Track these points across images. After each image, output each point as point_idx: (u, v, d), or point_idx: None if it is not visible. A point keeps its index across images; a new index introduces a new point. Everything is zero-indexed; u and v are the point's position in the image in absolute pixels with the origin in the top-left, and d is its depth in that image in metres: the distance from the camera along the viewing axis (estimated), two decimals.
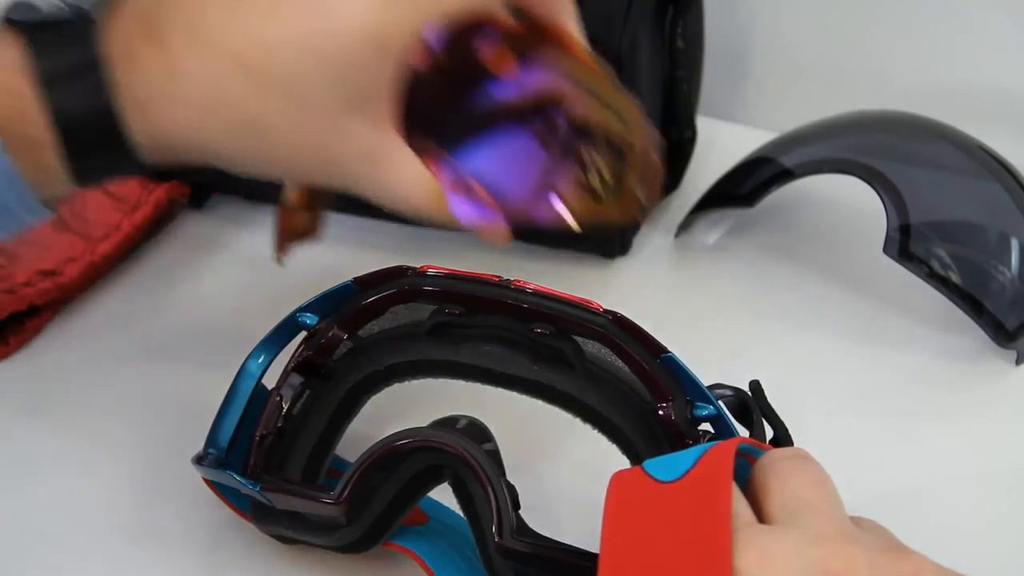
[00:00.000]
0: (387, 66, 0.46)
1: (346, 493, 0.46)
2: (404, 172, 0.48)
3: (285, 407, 0.51)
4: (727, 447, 0.38)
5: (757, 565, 0.35)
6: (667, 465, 0.39)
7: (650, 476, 0.38)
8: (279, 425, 0.50)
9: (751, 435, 0.48)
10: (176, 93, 0.45)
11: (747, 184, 0.66)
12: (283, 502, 0.48)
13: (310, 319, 0.52)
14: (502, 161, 0.49)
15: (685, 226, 0.70)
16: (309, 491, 0.47)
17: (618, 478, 0.39)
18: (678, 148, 0.71)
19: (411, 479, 0.47)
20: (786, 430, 0.49)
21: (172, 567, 0.52)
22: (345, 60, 0.45)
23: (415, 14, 0.46)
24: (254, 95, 0.45)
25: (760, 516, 0.38)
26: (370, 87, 0.46)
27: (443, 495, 0.49)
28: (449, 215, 0.48)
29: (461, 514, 0.48)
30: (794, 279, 0.62)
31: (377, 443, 0.47)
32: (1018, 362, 0.62)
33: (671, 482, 0.38)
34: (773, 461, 0.40)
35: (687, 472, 0.38)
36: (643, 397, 0.48)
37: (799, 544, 0.36)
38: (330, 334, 0.51)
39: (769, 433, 0.49)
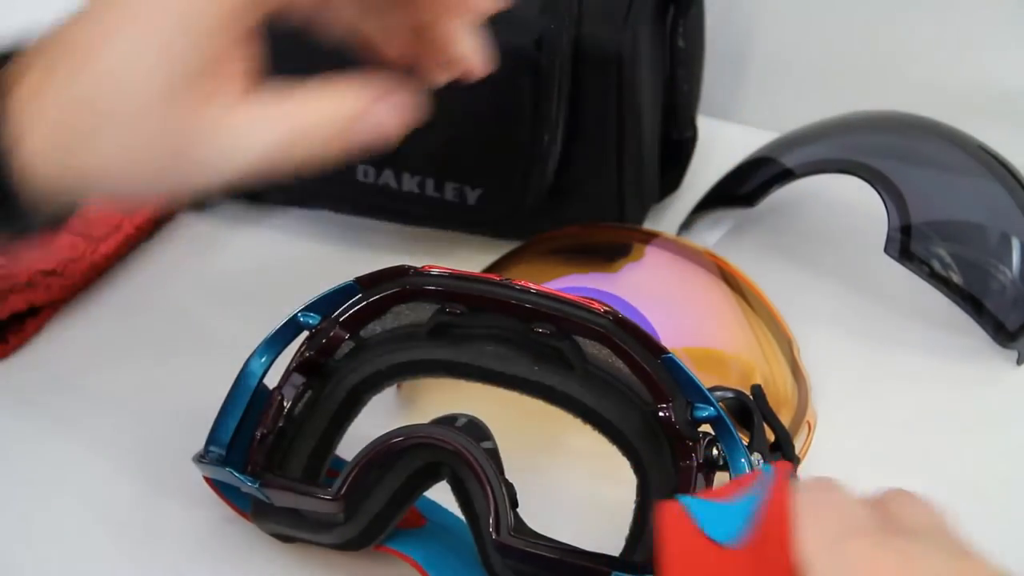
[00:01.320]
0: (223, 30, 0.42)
1: (344, 490, 0.46)
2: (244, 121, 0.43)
3: (287, 407, 0.51)
4: (783, 507, 0.36)
5: (898, 567, 0.35)
6: (718, 517, 0.37)
7: (705, 535, 0.36)
8: (280, 425, 0.50)
9: (751, 438, 0.48)
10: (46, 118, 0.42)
11: (748, 184, 0.66)
12: (282, 499, 0.48)
13: (312, 319, 0.52)
14: None
15: (686, 225, 0.70)
16: (307, 487, 0.47)
17: (670, 534, 0.37)
18: (679, 148, 0.71)
19: (409, 477, 0.47)
20: (787, 435, 0.49)
21: (172, 565, 0.52)
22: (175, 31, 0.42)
23: None
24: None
25: None
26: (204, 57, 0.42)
27: (442, 496, 0.49)
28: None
29: (459, 515, 0.48)
30: (795, 279, 0.62)
31: (375, 440, 0.47)
32: (1019, 362, 0.62)
33: (731, 547, 0.35)
34: (889, 494, 0.40)
35: (746, 535, 0.36)
36: (643, 398, 0.48)
37: (940, 554, 0.36)
38: (332, 334, 0.51)
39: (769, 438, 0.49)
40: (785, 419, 0.55)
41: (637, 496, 0.48)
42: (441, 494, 0.49)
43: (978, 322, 0.61)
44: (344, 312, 0.51)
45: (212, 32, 0.42)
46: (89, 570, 0.51)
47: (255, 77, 0.44)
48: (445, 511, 0.51)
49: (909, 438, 0.58)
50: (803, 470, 0.55)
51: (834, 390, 0.60)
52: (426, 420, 0.49)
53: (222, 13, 0.42)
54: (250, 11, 0.43)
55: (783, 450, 0.49)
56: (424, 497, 0.49)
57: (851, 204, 0.63)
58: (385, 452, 0.46)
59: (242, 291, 0.66)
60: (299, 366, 0.51)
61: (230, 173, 0.43)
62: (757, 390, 0.49)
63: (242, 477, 0.48)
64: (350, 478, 0.46)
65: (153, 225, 0.70)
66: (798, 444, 0.54)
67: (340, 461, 0.53)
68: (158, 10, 0.42)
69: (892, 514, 0.38)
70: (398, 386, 0.57)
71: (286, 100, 0.44)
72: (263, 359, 0.52)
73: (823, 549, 0.35)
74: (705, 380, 0.47)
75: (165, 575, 0.51)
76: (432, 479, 0.48)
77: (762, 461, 0.47)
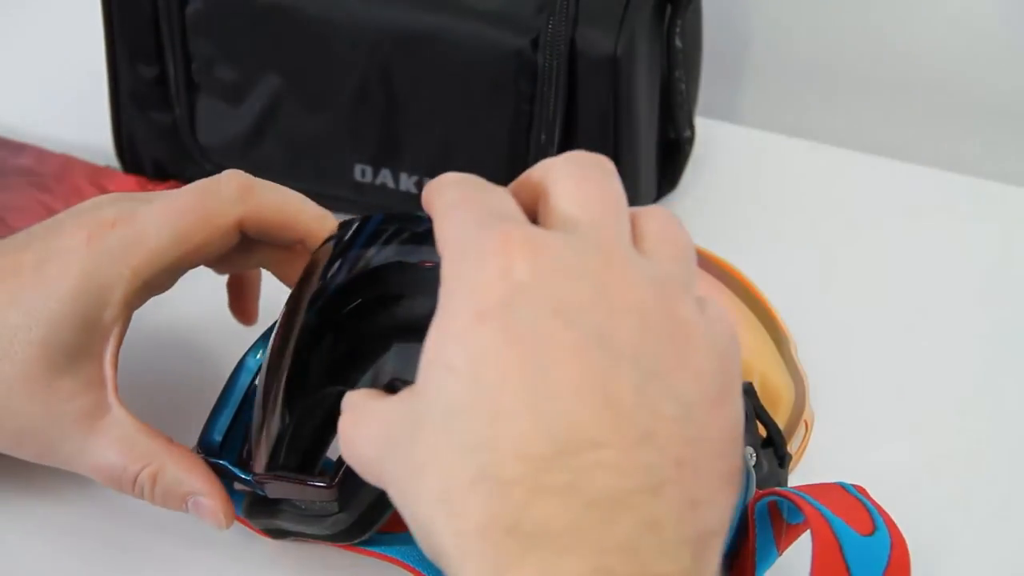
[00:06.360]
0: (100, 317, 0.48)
1: (340, 478, 0.46)
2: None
3: None
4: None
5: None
6: (864, 557, 0.38)
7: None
8: None
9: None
10: None
11: None
12: (276, 490, 0.48)
13: None
14: None
15: None
16: (302, 477, 0.47)
17: (821, 564, 0.38)
18: (677, 148, 0.71)
19: None
20: (778, 429, 0.49)
21: (162, 564, 0.52)
22: (52, 317, 0.47)
23: (124, 263, 0.48)
24: None
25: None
26: (81, 342, 0.48)
27: None
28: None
29: None
30: (795, 278, 0.62)
31: None
32: None
33: None
34: (566, 163, 0.36)
35: None
36: None
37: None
38: None
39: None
40: (781, 419, 0.55)
41: None
42: None
43: None
44: None
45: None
46: (80, 567, 0.52)
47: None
48: None
49: (908, 438, 0.58)
50: (800, 470, 0.55)
51: (832, 390, 0.60)
52: None
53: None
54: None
55: (774, 445, 0.49)
56: None
57: (856, 201, 0.63)
58: None
59: None
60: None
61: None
62: (748, 387, 0.49)
63: (236, 470, 0.48)
64: (346, 466, 0.46)
65: None
66: (795, 443, 0.54)
67: (330, 463, 0.53)
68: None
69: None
70: None
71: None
72: (258, 356, 0.52)
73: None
74: None
75: (153, 573, 0.51)
76: None
77: (754, 455, 0.47)
